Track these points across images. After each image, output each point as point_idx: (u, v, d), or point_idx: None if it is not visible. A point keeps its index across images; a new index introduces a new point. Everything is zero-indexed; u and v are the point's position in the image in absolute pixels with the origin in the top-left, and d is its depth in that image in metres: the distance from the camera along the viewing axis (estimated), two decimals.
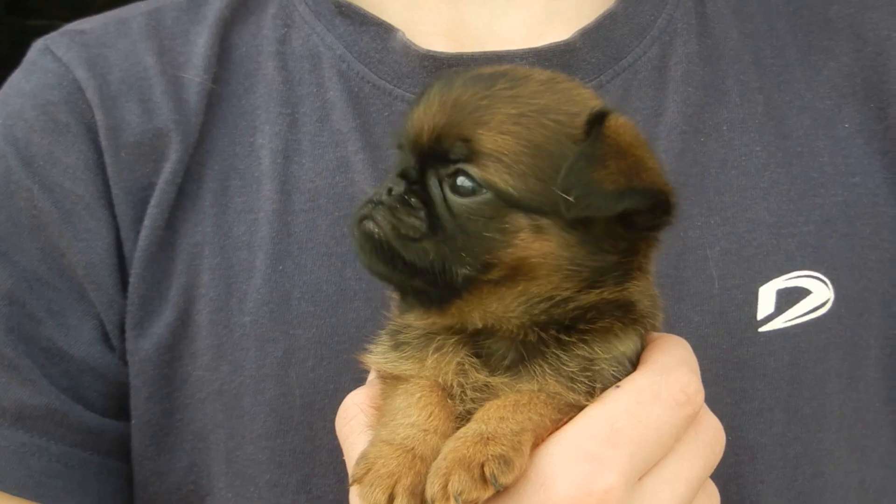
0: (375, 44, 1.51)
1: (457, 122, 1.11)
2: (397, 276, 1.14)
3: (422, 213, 1.12)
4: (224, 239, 1.44)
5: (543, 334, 1.13)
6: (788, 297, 1.42)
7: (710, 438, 1.16)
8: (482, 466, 1.02)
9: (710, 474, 1.17)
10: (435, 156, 1.12)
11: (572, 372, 1.12)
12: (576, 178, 1.08)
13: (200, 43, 1.51)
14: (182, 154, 1.45)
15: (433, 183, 1.13)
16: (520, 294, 1.13)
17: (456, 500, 1.01)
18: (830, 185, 1.47)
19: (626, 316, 1.17)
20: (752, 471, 1.41)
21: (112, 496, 1.46)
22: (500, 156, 1.09)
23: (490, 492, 1.02)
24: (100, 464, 1.44)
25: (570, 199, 1.08)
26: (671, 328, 1.25)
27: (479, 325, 1.14)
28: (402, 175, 1.15)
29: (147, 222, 1.43)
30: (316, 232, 1.43)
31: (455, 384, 1.14)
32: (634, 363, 1.17)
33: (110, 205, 1.44)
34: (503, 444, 1.04)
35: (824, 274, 1.42)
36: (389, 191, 1.14)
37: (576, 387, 1.12)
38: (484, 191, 1.10)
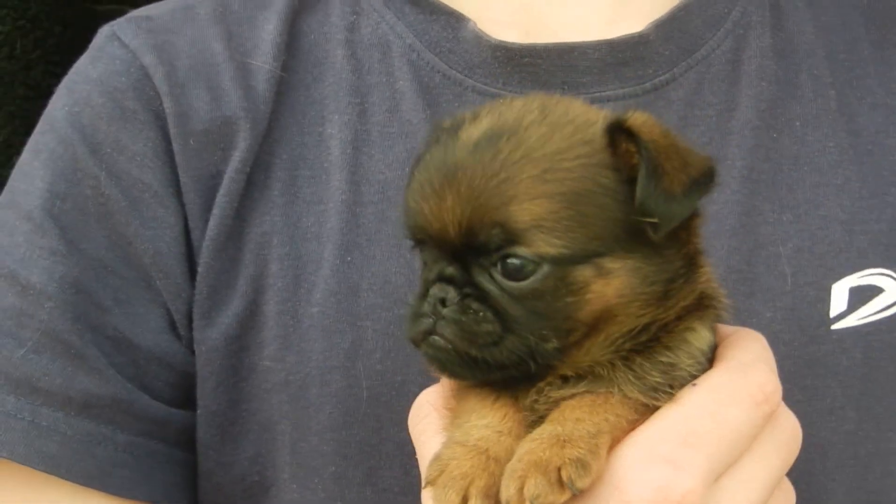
0: (446, 33, 1.49)
1: (482, 209, 1.05)
2: (489, 374, 1.10)
3: (489, 315, 1.07)
4: (293, 229, 1.43)
5: (638, 345, 1.12)
6: (861, 295, 1.41)
7: (787, 437, 1.15)
8: (559, 470, 1.00)
9: (786, 471, 1.16)
10: (472, 250, 1.07)
11: (657, 382, 1.11)
12: (650, 200, 1.06)
13: (269, 29, 1.50)
14: (251, 143, 1.44)
15: (483, 278, 1.07)
16: (605, 338, 1.10)
17: (531, 503, 0.99)
18: None
19: (700, 309, 1.15)
20: (823, 469, 1.40)
21: (178, 486, 1.45)
22: (541, 223, 1.05)
23: (567, 496, 1.01)
24: (166, 454, 1.43)
25: (655, 220, 1.06)
26: (742, 324, 1.24)
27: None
28: (446, 279, 1.09)
29: (216, 211, 1.42)
30: (385, 223, 1.42)
31: (530, 399, 1.13)
32: (710, 357, 1.16)
33: (178, 193, 1.43)
34: (580, 447, 1.02)
35: None
36: (442, 301, 1.08)
37: (659, 396, 1.11)
38: (540, 265, 1.06)
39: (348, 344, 1.39)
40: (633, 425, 1.09)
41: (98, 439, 1.38)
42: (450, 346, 1.08)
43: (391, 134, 1.46)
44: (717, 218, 1.41)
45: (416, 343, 1.11)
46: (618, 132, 1.10)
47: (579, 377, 1.11)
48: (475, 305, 1.07)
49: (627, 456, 1.06)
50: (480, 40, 1.47)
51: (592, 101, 1.43)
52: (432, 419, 1.17)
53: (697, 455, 1.05)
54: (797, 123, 1.47)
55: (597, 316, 1.09)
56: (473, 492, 1.03)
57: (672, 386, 1.11)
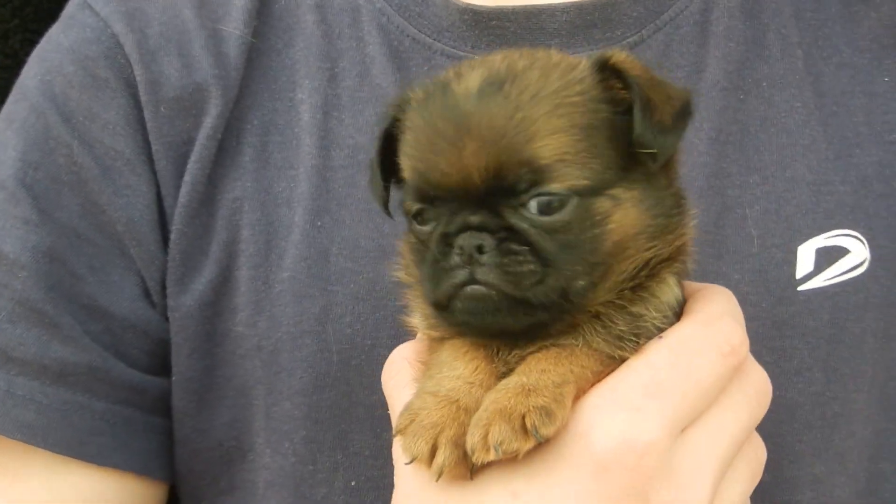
0: None
1: (508, 149, 1.06)
2: (529, 319, 1.09)
3: (528, 255, 1.06)
4: (264, 195, 1.44)
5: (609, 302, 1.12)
6: (827, 256, 1.42)
7: (755, 390, 1.16)
8: (523, 417, 1.02)
9: (755, 426, 1.17)
10: (499, 194, 1.07)
11: (621, 331, 1.12)
12: (647, 132, 1.07)
13: None
14: (222, 109, 1.44)
15: (516, 219, 1.07)
16: (616, 277, 1.11)
17: (496, 450, 1.00)
18: (866, 144, 1.46)
19: (673, 261, 1.16)
20: (791, 430, 1.42)
21: (156, 453, 1.47)
22: (564, 157, 1.06)
23: (531, 443, 1.02)
24: (143, 421, 1.45)
25: (654, 150, 1.08)
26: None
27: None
28: (474, 228, 1.07)
29: (187, 178, 1.43)
30: (355, 188, 1.42)
31: (498, 349, 1.14)
32: (678, 311, 1.17)
33: (150, 160, 1.44)
34: (545, 396, 1.04)
35: (861, 233, 1.42)
36: (479, 248, 1.06)
37: (624, 345, 1.12)
38: (570, 198, 1.07)
39: (318, 308, 1.40)
40: (599, 377, 1.10)
41: (74, 408, 1.39)
42: (493, 293, 1.07)
43: (361, 98, 1.46)
44: (685, 180, 1.40)
45: (445, 302, 1.09)
46: (605, 69, 1.12)
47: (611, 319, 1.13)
48: (515, 247, 1.06)
49: (592, 406, 1.07)
50: (449, 3, 1.47)
51: None
52: (405, 373, 1.18)
53: (662, 405, 1.06)
54: (764, 84, 1.47)
55: (615, 249, 1.10)
56: (443, 440, 1.04)
57: (638, 337, 1.12)
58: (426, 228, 1.12)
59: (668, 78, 1.17)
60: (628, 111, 1.10)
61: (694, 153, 1.43)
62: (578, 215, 1.07)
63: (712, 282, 1.28)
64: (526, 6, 1.46)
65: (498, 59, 1.12)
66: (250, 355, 1.42)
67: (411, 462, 1.06)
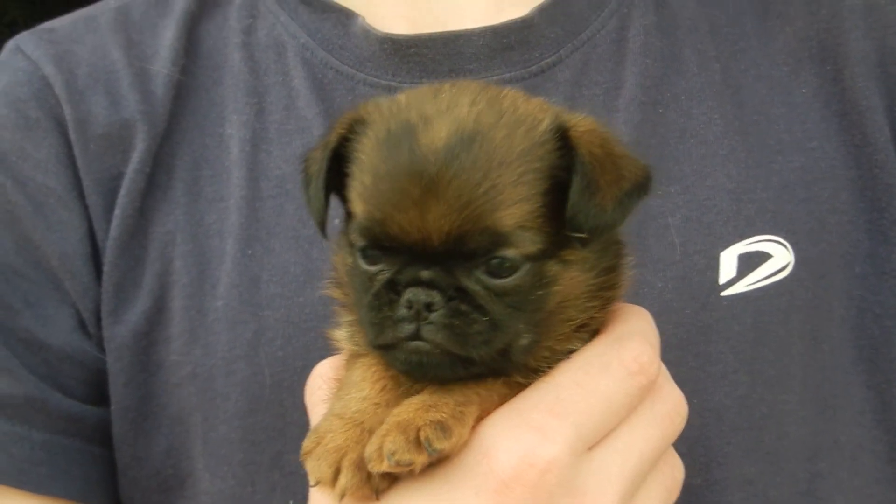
0: (337, 30, 1.54)
1: (472, 218, 1.06)
2: (463, 374, 1.10)
3: (477, 316, 1.07)
4: (196, 227, 1.48)
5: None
6: (749, 262, 1.43)
7: (668, 409, 1.16)
8: (418, 430, 1.03)
9: (668, 445, 1.17)
10: (456, 255, 1.07)
11: (537, 366, 1.13)
12: (581, 216, 1.07)
13: (168, 36, 1.55)
14: (150, 143, 1.48)
15: (468, 280, 1.07)
16: (555, 334, 1.13)
17: (389, 460, 1.01)
18: (787, 151, 1.48)
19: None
20: (718, 433, 1.41)
21: (97, 483, 1.48)
22: (523, 224, 1.07)
23: (423, 456, 1.02)
24: (82, 450, 1.47)
25: (584, 235, 1.08)
26: (635, 294, 1.26)
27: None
28: (425, 284, 1.07)
29: (117, 211, 1.47)
30: (283, 216, 1.46)
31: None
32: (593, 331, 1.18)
33: (82, 196, 1.48)
34: (443, 412, 1.05)
35: (784, 238, 1.44)
36: (428, 306, 1.07)
37: (536, 376, 1.13)
38: (523, 263, 1.08)
39: (251, 334, 1.43)
40: (505, 399, 1.11)
41: (13, 438, 1.42)
42: (437, 350, 1.07)
43: (288, 131, 1.50)
44: None
45: (388, 348, 1.10)
46: (563, 136, 1.11)
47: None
48: (464, 307, 1.07)
49: (495, 425, 1.08)
50: (369, 34, 1.51)
51: None
52: (323, 390, 1.20)
53: (564, 424, 1.07)
54: (682, 98, 1.50)
55: (557, 308, 1.11)
56: (346, 463, 1.06)
57: (551, 366, 1.13)
58: (372, 269, 1.12)
59: (581, 112, 1.15)
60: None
61: None
62: (528, 279, 1.08)
63: (636, 290, 1.29)
64: (443, 33, 1.50)
65: (465, 108, 1.11)
66: (185, 383, 1.45)
67: (316, 485, 1.07)
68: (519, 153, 1.08)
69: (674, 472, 1.19)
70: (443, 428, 1.03)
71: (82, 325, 1.47)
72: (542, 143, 1.10)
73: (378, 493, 1.07)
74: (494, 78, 1.49)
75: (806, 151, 1.49)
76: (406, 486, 1.07)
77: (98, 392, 1.48)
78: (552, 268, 1.10)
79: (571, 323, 1.13)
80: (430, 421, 1.04)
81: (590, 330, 1.15)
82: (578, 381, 1.10)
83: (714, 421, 1.41)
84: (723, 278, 1.42)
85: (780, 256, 1.43)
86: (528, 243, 1.07)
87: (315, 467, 1.07)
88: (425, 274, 1.07)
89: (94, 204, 1.48)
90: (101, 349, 1.47)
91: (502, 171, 1.07)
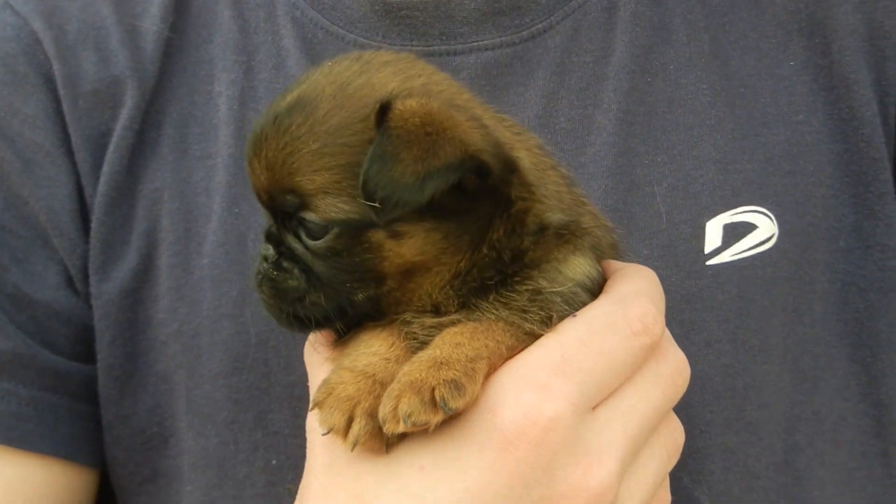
0: None
1: (276, 179, 1.12)
2: (305, 328, 1.17)
3: (296, 272, 1.13)
4: (183, 185, 1.48)
5: (485, 282, 1.14)
6: (735, 232, 1.44)
7: (671, 370, 1.17)
8: (433, 390, 1.03)
9: (671, 407, 1.18)
10: (279, 211, 1.14)
11: (523, 305, 1.13)
12: (375, 183, 1.05)
13: None
14: (138, 100, 1.48)
15: (290, 238, 1.13)
16: (432, 284, 1.14)
17: (405, 421, 1.02)
18: (773, 124, 1.49)
19: (561, 238, 1.18)
20: (701, 401, 1.43)
21: (83, 439, 1.49)
22: (326, 190, 1.09)
23: (439, 416, 1.03)
24: (69, 407, 1.47)
25: (377, 204, 1.06)
26: (620, 261, 1.26)
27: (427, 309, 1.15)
28: (268, 238, 1.16)
29: (106, 168, 1.47)
30: None
31: (408, 320, 1.16)
32: (593, 289, 1.19)
33: (70, 152, 1.48)
34: (456, 370, 1.05)
35: (769, 209, 1.44)
36: (265, 258, 1.15)
37: (529, 316, 1.13)
38: (331, 227, 1.10)
39: (236, 292, 1.43)
40: (513, 352, 1.12)
41: (1, 394, 1.42)
42: (269, 301, 1.15)
43: (277, 90, 1.49)
44: (594, 159, 1.44)
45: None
46: (385, 112, 1.09)
47: (450, 309, 1.15)
48: (286, 263, 1.14)
49: (502, 381, 1.09)
50: None
51: (471, 51, 1.48)
52: (322, 351, 1.20)
53: (568, 381, 1.08)
54: (671, 67, 1.50)
55: (403, 269, 1.13)
56: (359, 412, 1.06)
57: (543, 310, 1.14)
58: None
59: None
60: None
61: (603, 133, 1.45)
62: (343, 243, 1.11)
63: (622, 257, 1.30)
64: None
65: (322, 78, 1.15)
66: (171, 341, 1.45)
67: (328, 433, 1.08)
68: (335, 124, 1.10)
69: (675, 436, 1.20)
70: (457, 386, 1.04)
71: (70, 281, 1.48)
72: (363, 118, 1.10)
73: (387, 445, 1.08)
74: (485, 42, 1.49)
75: (792, 124, 1.49)
76: (414, 440, 1.08)
77: (86, 349, 1.49)
78: (376, 236, 1.11)
79: (446, 275, 1.13)
80: (444, 380, 1.04)
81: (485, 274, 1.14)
82: (583, 339, 1.11)
83: (698, 389, 1.42)
84: (708, 247, 1.43)
85: (765, 227, 1.44)
86: (333, 209, 1.09)
87: (327, 416, 1.07)
88: (271, 228, 1.15)
89: (82, 160, 1.47)
90: (89, 306, 1.47)
91: (310, 139, 1.10)
